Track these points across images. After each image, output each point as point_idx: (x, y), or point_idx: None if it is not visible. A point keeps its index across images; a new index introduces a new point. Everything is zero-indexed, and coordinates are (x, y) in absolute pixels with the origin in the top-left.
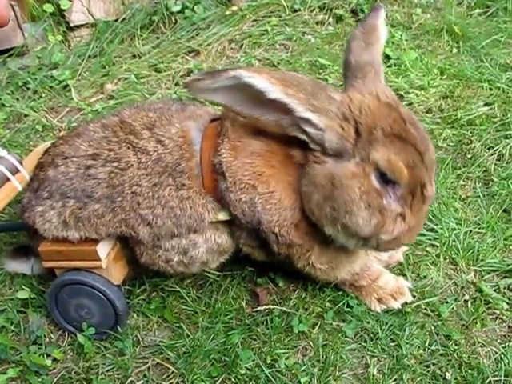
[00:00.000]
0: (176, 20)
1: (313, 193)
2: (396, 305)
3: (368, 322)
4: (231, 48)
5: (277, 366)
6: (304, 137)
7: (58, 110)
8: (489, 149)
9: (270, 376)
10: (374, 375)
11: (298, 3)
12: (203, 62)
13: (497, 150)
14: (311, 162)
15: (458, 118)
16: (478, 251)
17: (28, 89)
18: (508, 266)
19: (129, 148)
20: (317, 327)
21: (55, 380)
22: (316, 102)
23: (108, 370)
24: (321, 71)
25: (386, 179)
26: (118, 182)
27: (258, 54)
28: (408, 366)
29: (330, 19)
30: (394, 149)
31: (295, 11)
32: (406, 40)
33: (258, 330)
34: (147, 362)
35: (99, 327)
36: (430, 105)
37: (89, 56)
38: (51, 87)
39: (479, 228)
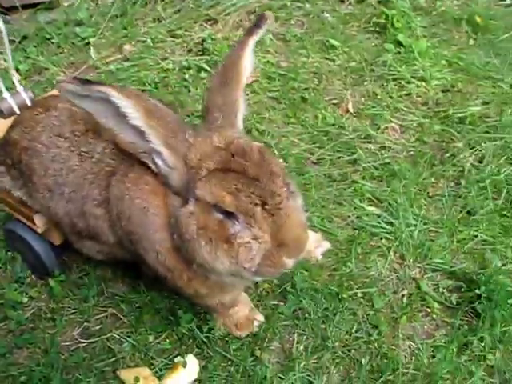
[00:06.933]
0: None
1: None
2: (239, 334)
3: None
4: (249, 19)
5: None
6: (153, 166)
7: (77, 66)
8: (471, 149)
9: (204, 339)
10: (298, 351)
11: None
12: (219, 32)
13: (479, 150)
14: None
15: (450, 114)
16: (429, 249)
17: (52, 43)
18: (451, 267)
19: None
20: (260, 307)
21: (27, 315)
22: (172, 141)
23: (71, 313)
24: (330, 51)
25: (224, 209)
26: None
27: (273, 29)
28: (331, 347)
29: None
30: (215, 181)
31: None
32: (425, 27)
33: None
34: (106, 311)
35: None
36: (428, 97)
37: (111, 16)
38: (73, 43)
39: (437, 227)
